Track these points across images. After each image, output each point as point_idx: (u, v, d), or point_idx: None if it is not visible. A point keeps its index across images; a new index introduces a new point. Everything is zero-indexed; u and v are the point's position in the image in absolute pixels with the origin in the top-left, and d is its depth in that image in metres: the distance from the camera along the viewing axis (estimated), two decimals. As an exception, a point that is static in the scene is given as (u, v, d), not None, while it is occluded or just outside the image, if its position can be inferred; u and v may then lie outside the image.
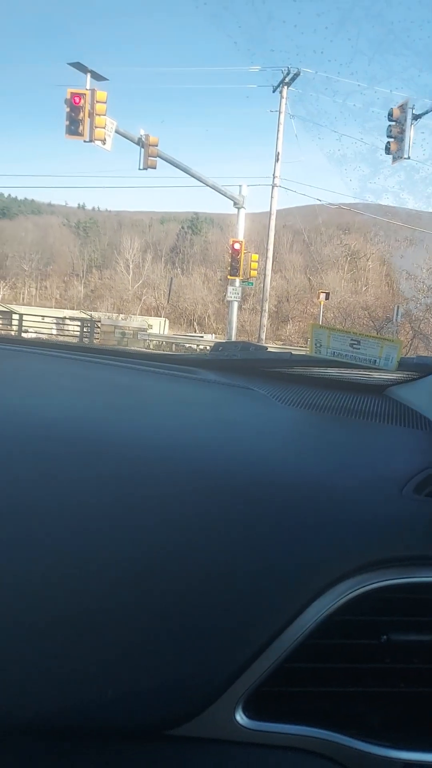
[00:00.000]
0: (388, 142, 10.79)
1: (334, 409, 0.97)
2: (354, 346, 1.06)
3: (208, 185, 14.53)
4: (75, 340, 18.21)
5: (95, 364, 1.08)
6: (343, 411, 0.96)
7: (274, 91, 16.98)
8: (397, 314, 17.05)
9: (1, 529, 0.57)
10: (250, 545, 0.60)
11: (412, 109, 10.45)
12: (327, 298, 24.02)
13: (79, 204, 78.63)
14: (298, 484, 0.67)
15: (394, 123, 10.63)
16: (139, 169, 13.24)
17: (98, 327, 20.63)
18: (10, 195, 72.69)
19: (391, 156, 10.77)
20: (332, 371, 1.19)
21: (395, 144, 10.75)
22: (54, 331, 20.50)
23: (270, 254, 17.95)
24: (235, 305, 16.14)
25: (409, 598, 0.61)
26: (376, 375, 1.16)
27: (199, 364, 1.21)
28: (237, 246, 15.15)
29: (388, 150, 10.78)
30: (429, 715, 0.61)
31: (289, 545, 0.60)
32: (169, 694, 0.54)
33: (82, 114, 11.97)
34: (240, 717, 0.56)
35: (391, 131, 10.64)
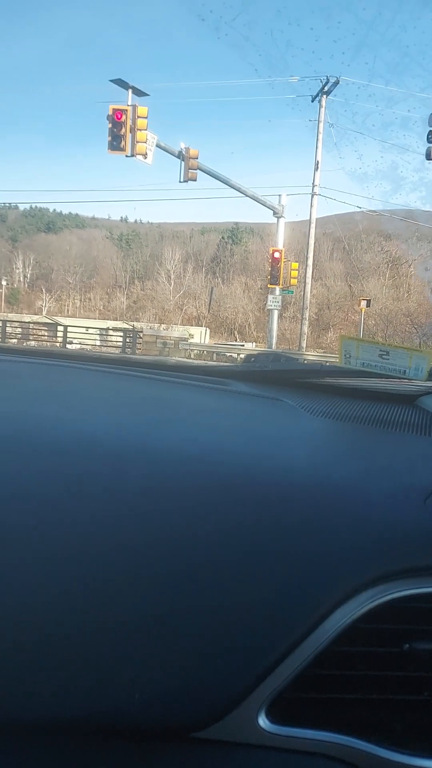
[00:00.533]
0: (429, 148, 10.65)
1: (363, 419, 0.97)
2: (383, 356, 1.06)
3: (247, 195, 14.59)
4: (118, 351, 18.47)
5: (130, 377, 1.12)
6: (371, 421, 0.97)
7: (312, 101, 16.96)
8: (440, 321, 16.66)
9: (41, 539, 0.60)
10: (275, 552, 0.61)
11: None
12: (368, 305, 23.70)
13: (121, 217, 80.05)
14: (323, 493, 0.68)
15: (433, 128, 10.49)
16: (180, 181, 13.42)
17: (140, 337, 20.88)
18: (55, 210, 74.55)
19: (432, 161, 10.62)
20: (362, 381, 1.19)
21: (437, 149, 10.60)
22: (97, 342, 20.86)
23: (310, 262, 17.86)
24: (276, 314, 16.12)
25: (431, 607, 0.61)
26: (407, 385, 1.16)
27: (232, 375, 1.23)
28: (277, 255, 15.15)
29: (429, 156, 10.64)
30: None
31: (313, 553, 0.61)
32: (193, 697, 0.56)
33: (123, 129, 12.21)
34: (263, 721, 0.57)
35: (431, 137, 10.51)
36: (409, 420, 0.99)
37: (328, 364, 1.29)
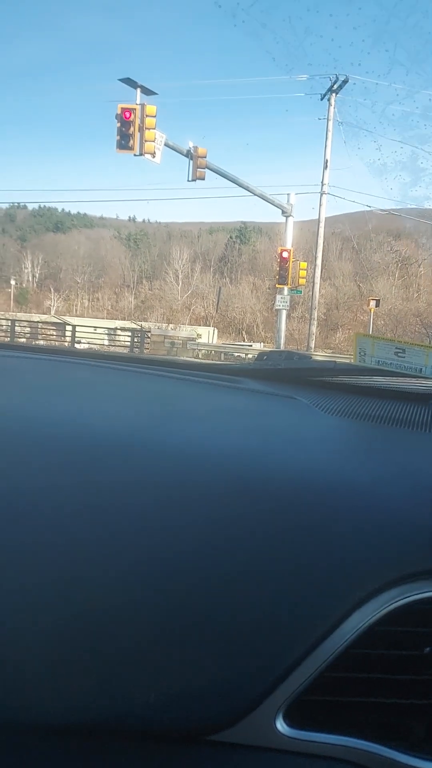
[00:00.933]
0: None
1: (378, 418, 0.96)
2: (399, 354, 1.05)
3: (256, 194, 14.58)
4: (126, 350, 18.55)
5: (142, 374, 1.11)
6: (387, 420, 0.95)
7: (322, 99, 16.93)
8: (450, 321, 16.61)
9: (50, 531, 0.60)
10: (292, 552, 0.60)
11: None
12: (377, 305, 23.64)
13: (129, 216, 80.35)
14: (340, 492, 0.67)
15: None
16: (188, 180, 13.42)
17: (148, 337, 20.94)
18: (63, 209, 74.88)
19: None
20: (378, 380, 1.18)
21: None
22: (106, 342, 20.93)
23: (319, 262, 17.83)
24: (284, 314, 16.09)
25: None
26: (422, 383, 1.14)
27: (244, 373, 1.22)
28: (285, 254, 15.13)
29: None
30: None
31: (331, 553, 0.60)
32: (210, 700, 0.55)
33: (132, 128, 12.22)
34: (281, 725, 0.56)
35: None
36: (426, 419, 0.97)
37: (338, 362, 1.28)
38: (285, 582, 0.59)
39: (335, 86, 16.50)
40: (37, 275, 59.36)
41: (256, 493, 0.65)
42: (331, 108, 16.70)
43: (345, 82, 16.35)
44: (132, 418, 0.81)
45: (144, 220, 79.78)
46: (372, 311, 23.17)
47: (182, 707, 0.55)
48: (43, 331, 21.85)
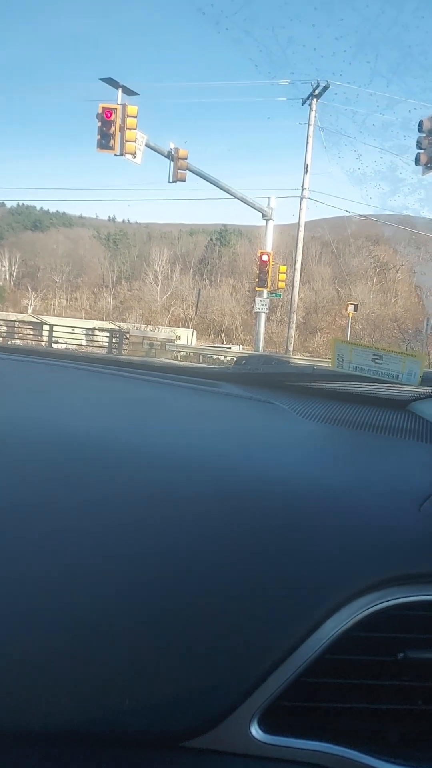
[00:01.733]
0: (418, 154, 10.71)
1: (355, 423, 0.97)
2: (376, 360, 1.06)
3: (236, 197, 14.61)
4: (104, 351, 18.41)
5: (121, 377, 1.10)
6: (364, 426, 0.96)
7: (303, 104, 17.04)
8: (427, 326, 16.84)
9: (21, 536, 0.59)
10: (267, 557, 0.60)
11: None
12: (355, 309, 23.84)
13: (109, 216, 79.88)
14: (318, 497, 0.67)
15: (424, 134, 10.56)
16: (169, 182, 13.40)
17: (127, 338, 20.83)
18: (42, 208, 74.15)
19: (421, 167, 10.69)
20: (355, 385, 1.19)
21: (425, 155, 10.67)
22: (83, 342, 20.75)
23: (298, 266, 17.93)
24: (263, 317, 16.13)
25: (426, 615, 0.60)
26: (399, 390, 1.15)
27: (223, 377, 1.22)
28: (265, 258, 15.18)
29: (417, 161, 10.70)
30: None
31: (306, 558, 0.61)
32: (185, 705, 0.55)
33: (113, 128, 12.16)
34: (255, 731, 0.56)
35: (421, 143, 10.57)
36: (402, 425, 0.98)
37: (317, 367, 1.28)
38: (261, 587, 0.58)
39: (316, 91, 16.62)
40: (14, 274, 58.63)
41: (233, 497, 0.65)
42: (312, 113, 16.82)
43: (326, 87, 16.47)
44: (110, 421, 0.81)
45: (124, 221, 79.45)
46: (350, 315, 23.36)
47: (157, 713, 0.55)
48: (20, 330, 21.60)
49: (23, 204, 72.22)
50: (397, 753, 0.58)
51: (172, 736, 0.55)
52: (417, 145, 10.57)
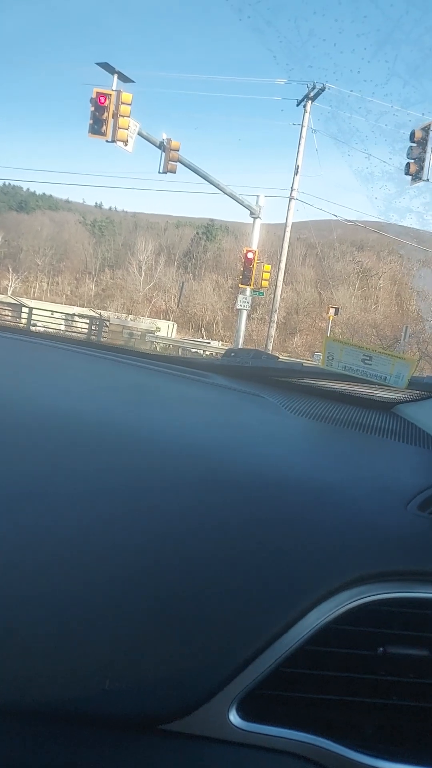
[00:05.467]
0: (408, 163, 10.80)
1: (342, 422, 0.98)
2: (366, 361, 1.07)
3: (225, 193, 14.58)
4: (83, 338, 18.24)
5: (109, 361, 1.10)
6: (351, 425, 0.97)
7: (298, 105, 17.07)
8: (405, 334, 17.05)
9: (10, 516, 0.58)
10: (253, 547, 0.61)
11: (434, 131, 10.48)
12: (336, 313, 24.01)
13: (96, 203, 79.12)
14: (305, 490, 0.68)
15: (415, 144, 10.67)
16: (159, 172, 13.30)
17: (107, 326, 20.68)
18: (28, 189, 73.14)
19: (410, 177, 10.78)
20: (342, 385, 1.20)
21: (415, 165, 10.77)
22: (62, 327, 20.53)
23: (283, 265, 17.98)
24: (245, 314, 16.15)
25: (407, 612, 0.61)
26: (384, 392, 1.17)
27: (210, 368, 1.22)
28: (250, 255, 15.19)
29: (407, 171, 10.79)
30: (420, 728, 0.61)
31: (292, 550, 0.61)
32: (165, 689, 0.55)
33: (106, 114, 12.00)
34: (233, 717, 0.57)
35: (411, 152, 10.66)
36: (388, 426, 0.99)
37: (305, 365, 1.29)
38: (245, 576, 0.59)
39: (311, 93, 16.65)
40: (-4, 254, 57.81)
41: (223, 485, 0.65)
42: (306, 115, 16.85)
43: (322, 90, 16.51)
44: (102, 402, 0.80)
45: (111, 208, 78.73)
46: (331, 318, 23.51)
47: (136, 695, 0.55)
48: (-2, 311, 21.28)
49: (9, 184, 71.17)
50: (371, 745, 0.59)
51: (151, 718, 0.55)
52: (407, 154, 10.66)
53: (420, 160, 10.71)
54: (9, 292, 42.93)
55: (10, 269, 53.53)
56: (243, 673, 0.57)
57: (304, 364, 1.27)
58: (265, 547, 0.61)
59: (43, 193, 72.87)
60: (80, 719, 0.55)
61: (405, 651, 0.60)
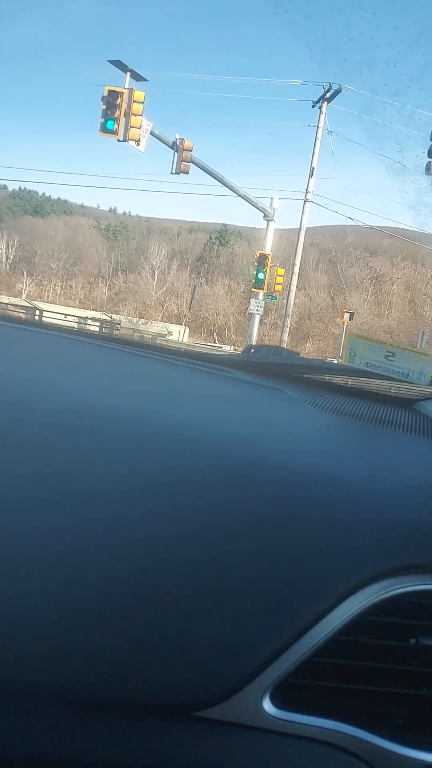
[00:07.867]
0: (429, 162, 10.65)
1: (365, 417, 0.97)
2: (389, 357, 1.06)
3: (239, 195, 14.59)
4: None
5: (132, 354, 1.10)
6: (373, 420, 0.97)
7: (313, 107, 17.06)
8: (421, 340, 16.95)
9: (39, 504, 0.58)
10: (286, 539, 0.61)
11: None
12: (351, 318, 23.91)
13: (110, 207, 79.75)
14: (334, 484, 0.68)
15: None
16: (172, 173, 13.25)
17: (117, 329, 20.78)
18: (44, 194, 73.77)
19: (430, 177, 10.66)
20: (363, 381, 1.20)
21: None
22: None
23: (296, 269, 17.98)
24: (257, 318, 16.16)
25: None
26: (406, 388, 1.16)
27: (231, 364, 1.22)
28: (264, 256, 15.19)
29: (428, 170, 10.66)
30: None
31: (324, 542, 0.61)
32: (199, 676, 0.55)
33: (118, 112, 11.83)
34: (267, 705, 0.57)
35: (432, 152, 10.48)
36: (410, 423, 0.99)
37: (326, 361, 1.29)
38: (278, 567, 0.59)
39: (327, 94, 16.66)
40: (11, 257, 58.27)
41: (253, 479, 0.65)
42: (322, 116, 16.85)
43: (338, 91, 16.52)
44: (129, 395, 0.80)
45: (125, 213, 79.26)
46: (345, 324, 23.40)
47: (172, 683, 0.55)
48: (12, 313, 21.42)
49: (25, 188, 71.89)
50: (403, 735, 0.59)
51: (185, 705, 0.56)
52: (429, 153, 10.47)
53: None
54: (23, 296, 43.29)
55: (25, 273, 54.00)
56: (277, 662, 0.57)
57: (325, 360, 1.27)
58: (296, 539, 0.61)
59: (58, 198, 73.66)
60: (115, 706, 0.56)
61: None
